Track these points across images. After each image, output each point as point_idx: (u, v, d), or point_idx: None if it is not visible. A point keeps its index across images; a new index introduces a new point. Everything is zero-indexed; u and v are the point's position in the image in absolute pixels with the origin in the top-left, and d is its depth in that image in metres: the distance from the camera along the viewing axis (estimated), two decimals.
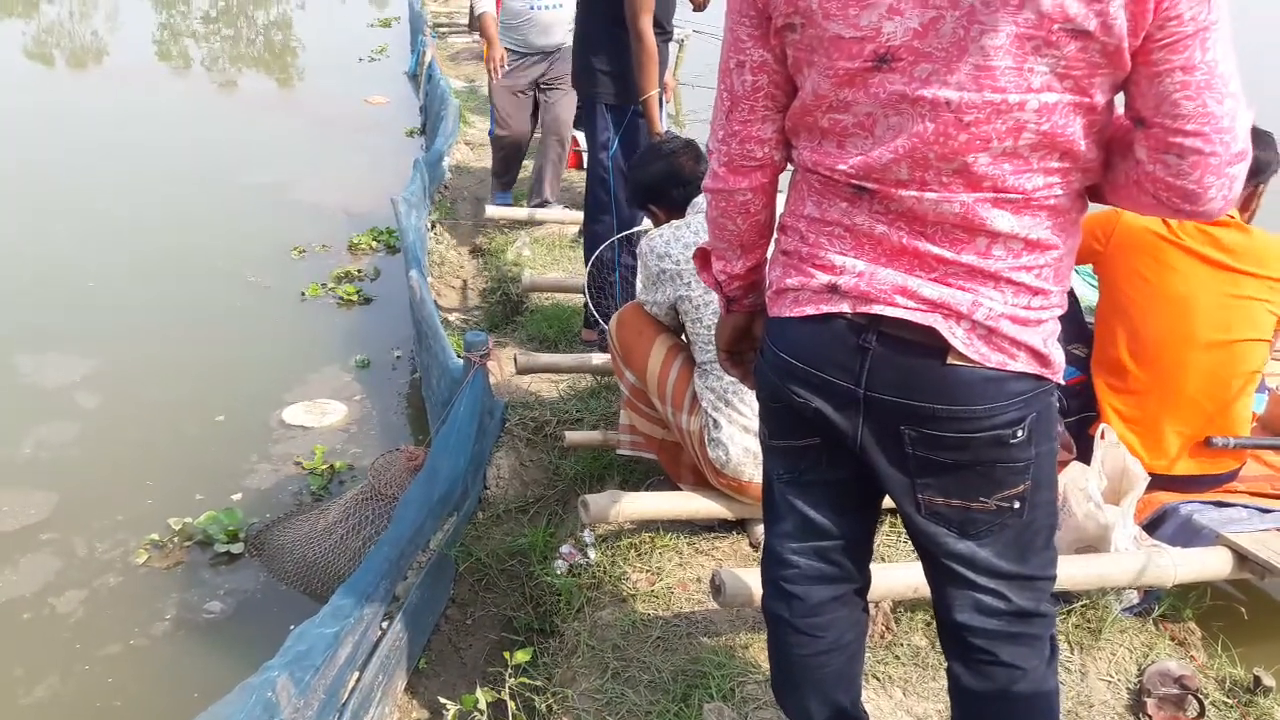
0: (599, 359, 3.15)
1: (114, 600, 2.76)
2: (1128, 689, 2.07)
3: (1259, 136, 2.23)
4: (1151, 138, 1.13)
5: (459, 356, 2.95)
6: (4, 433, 3.52)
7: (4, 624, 2.66)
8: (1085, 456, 2.36)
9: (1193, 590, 2.30)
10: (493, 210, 4.96)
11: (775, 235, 1.41)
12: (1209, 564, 2.23)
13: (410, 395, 3.96)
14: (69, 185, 6.34)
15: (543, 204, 5.02)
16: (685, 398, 2.37)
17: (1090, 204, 1.28)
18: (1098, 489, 2.22)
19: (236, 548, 2.95)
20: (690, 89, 8.53)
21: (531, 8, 4.80)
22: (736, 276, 1.47)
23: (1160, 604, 2.28)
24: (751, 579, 1.86)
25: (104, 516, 3.08)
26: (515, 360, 3.15)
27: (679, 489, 2.51)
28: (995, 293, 1.21)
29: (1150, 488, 2.31)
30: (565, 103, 4.89)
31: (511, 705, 2.03)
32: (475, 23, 5.75)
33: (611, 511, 2.35)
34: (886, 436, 1.29)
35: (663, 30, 3.21)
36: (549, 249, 4.75)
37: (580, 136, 4.90)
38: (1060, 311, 1.27)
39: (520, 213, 4.96)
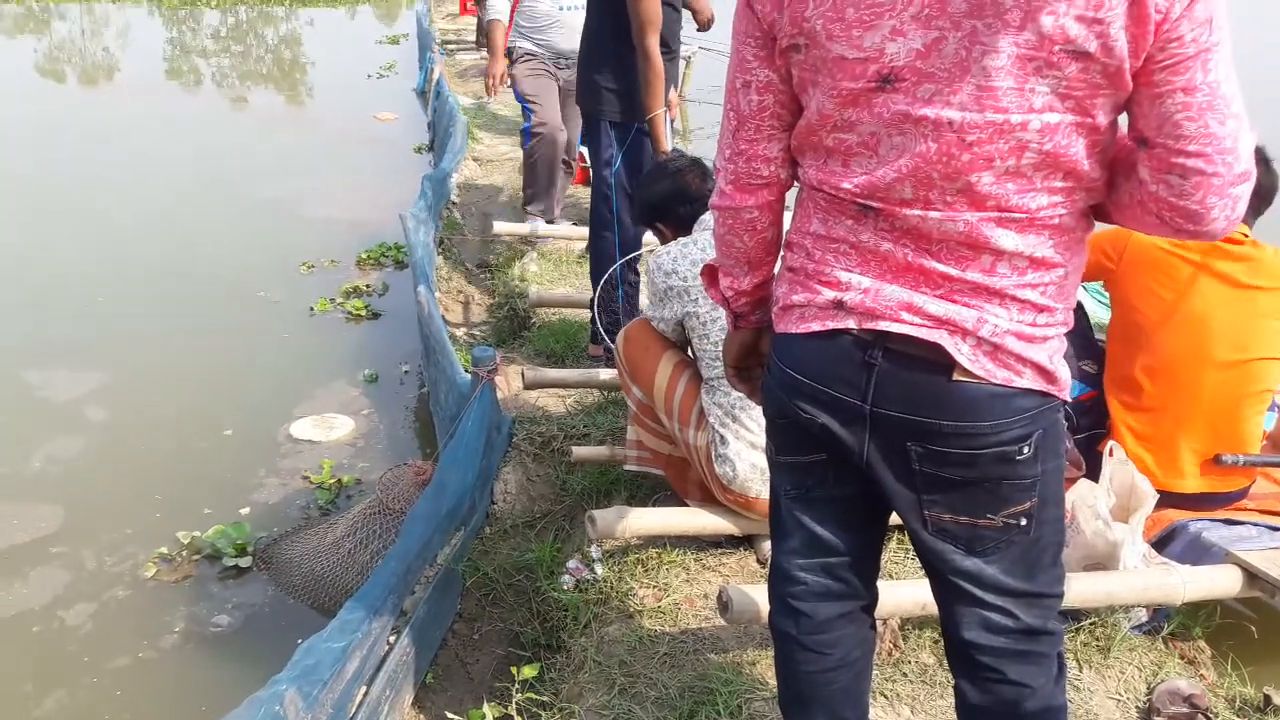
0: (606, 374, 3.16)
1: (123, 613, 2.77)
2: (1137, 707, 2.06)
3: (1264, 163, 2.24)
4: (1154, 158, 1.14)
5: (467, 371, 2.96)
6: (13, 446, 3.54)
7: (13, 636, 2.67)
8: (1094, 473, 2.36)
9: (1202, 608, 2.29)
10: (500, 226, 4.98)
11: (782, 252, 1.42)
12: (1218, 582, 2.22)
13: (418, 410, 3.97)
14: (78, 199, 6.40)
15: (549, 220, 5.03)
16: (692, 414, 2.38)
17: (1098, 223, 1.29)
18: (1106, 506, 2.22)
19: (245, 562, 2.96)
20: (696, 105, 8.57)
21: (561, 9, 4.62)
22: (744, 292, 1.49)
23: (1169, 622, 2.27)
24: (759, 595, 1.86)
25: (113, 530, 3.09)
26: (523, 375, 3.16)
27: (686, 504, 2.52)
28: (1000, 309, 1.21)
29: (1159, 505, 2.30)
30: (578, 118, 4.86)
31: None
32: (482, 38, 5.70)
33: (618, 527, 2.35)
34: (893, 453, 1.29)
35: (668, 49, 3.23)
36: (556, 264, 4.77)
37: (585, 152, 4.89)
38: (1066, 328, 1.27)
39: (526, 228, 4.98)
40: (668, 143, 3.23)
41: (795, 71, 1.27)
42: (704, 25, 4.48)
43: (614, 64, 3.23)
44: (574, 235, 4.88)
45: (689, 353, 2.48)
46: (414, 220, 4.47)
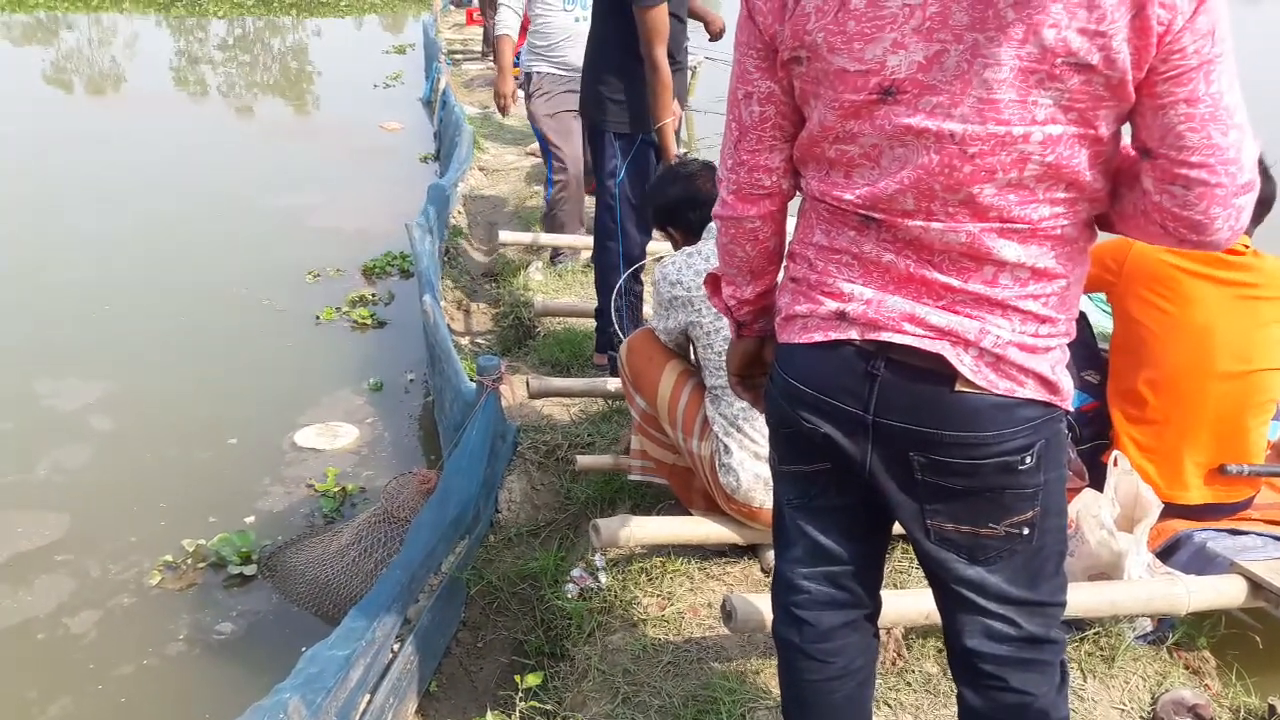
0: (611, 384, 3.17)
1: (128, 621, 2.77)
2: (1141, 717, 2.05)
3: (1263, 172, 2.24)
4: (1157, 169, 1.14)
5: (472, 380, 2.97)
6: (19, 454, 3.56)
7: (19, 644, 2.67)
8: (1098, 483, 2.35)
9: (1207, 618, 2.28)
10: (505, 235, 5.00)
11: (785, 262, 1.43)
12: (1223, 592, 2.22)
13: (423, 418, 3.98)
14: (85, 208, 6.43)
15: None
16: (696, 423, 2.38)
17: (1101, 233, 1.29)
18: (1110, 516, 2.21)
19: (249, 569, 2.96)
20: (702, 115, 8.60)
21: (576, 20, 4.41)
22: (746, 302, 1.49)
23: (1174, 632, 2.27)
24: (762, 604, 1.86)
25: (118, 538, 3.10)
26: (528, 384, 3.17)
27: (690, 514, 2.52)
28: (1003, 320, 1.22)
29: (1164, 515, 2.30)
30: None
31: None
32: (489, 48, 5.68)
33: (622, 536, 2.36)
34: (895, 462, 1.29)
35: (674, 60, 3.24)
36: (561, 274, 4.79)
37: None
38: (1068, 339, 1.27)
39: (530, 237, 4.99)
40: (676, 153, 3.24)
41: (797, 83, 1.28)
42: (715, 35, 4.48)
43: (619, 75, 3.25)
44: (579, 244, 4.90)
45: (692, 360, 2.48)
46: (419, 229, 4.49)
